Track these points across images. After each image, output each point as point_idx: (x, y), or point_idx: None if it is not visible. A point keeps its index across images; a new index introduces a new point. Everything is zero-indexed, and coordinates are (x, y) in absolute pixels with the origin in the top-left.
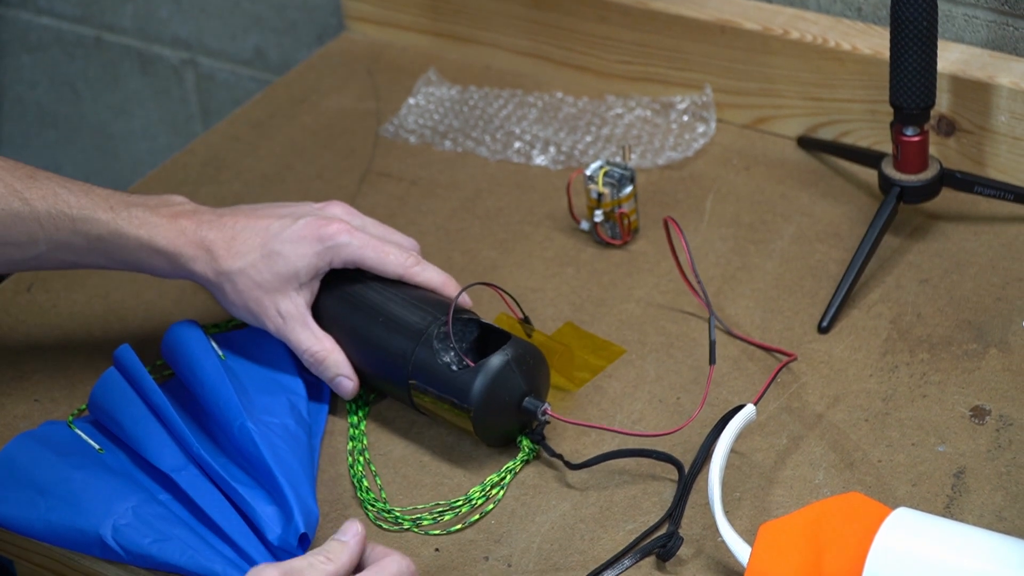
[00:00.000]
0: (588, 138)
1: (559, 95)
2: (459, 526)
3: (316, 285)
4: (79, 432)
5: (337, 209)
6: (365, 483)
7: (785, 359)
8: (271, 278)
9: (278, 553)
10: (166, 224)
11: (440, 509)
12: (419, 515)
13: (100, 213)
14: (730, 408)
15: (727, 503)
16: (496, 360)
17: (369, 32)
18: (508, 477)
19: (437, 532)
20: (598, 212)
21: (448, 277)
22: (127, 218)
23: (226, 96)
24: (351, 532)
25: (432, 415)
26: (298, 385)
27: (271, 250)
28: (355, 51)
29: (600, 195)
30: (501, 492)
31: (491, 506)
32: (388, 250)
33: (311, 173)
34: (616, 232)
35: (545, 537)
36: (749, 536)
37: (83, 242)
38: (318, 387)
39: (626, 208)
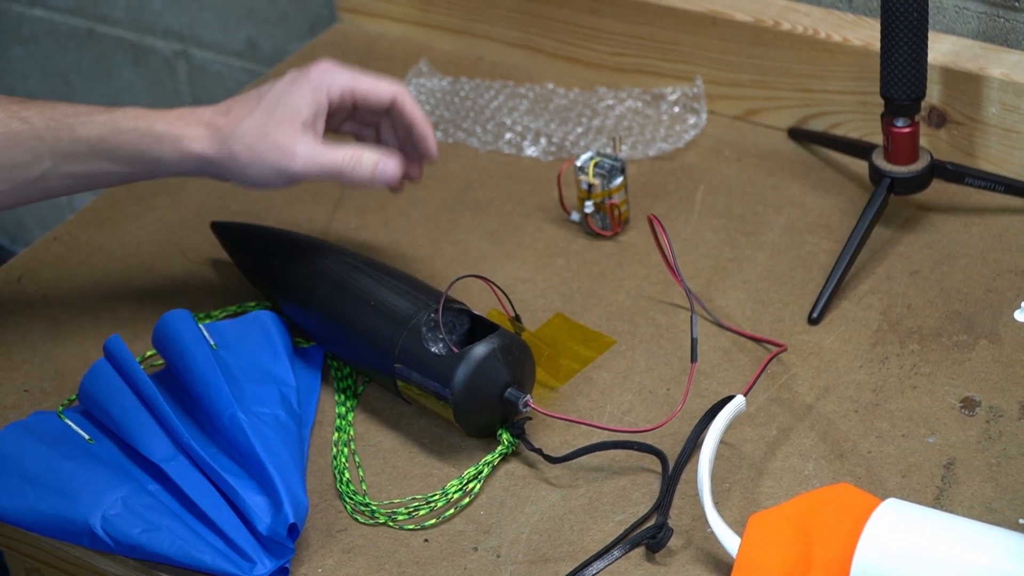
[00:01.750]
0: (579, 129)
1: (550, 86)
2: (433, 521)
3: (321, 125)
4: (69, 422)
5: (322, 62)
6: (347, 475)
7: (775, 350)
8: (276, 123)
9: (268, 544)
10: (163, 114)
11: (416, 504)
12: (395, 509)
13: (97, 115)
14: (720, 399)
15: (717, 494)
16: (481, 348)
17: (361, 23)
18: (486, 470)
19: (412, 527)
20: (588, 203)
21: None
22: (123, 115)
23: (219, 87)
24: None
25: (415, 402)
26: (289, 376)
27: (268, 104)
28: (347, 42)
29: (590, 186)
30: (478, 485)
31: (466, 500)
32: (380, 77)
33: None
34: (606, 223)
35: (534, 528)
36: (739, 527)
37: (85, 148)
38: (309, 377)
39: (616, 199)
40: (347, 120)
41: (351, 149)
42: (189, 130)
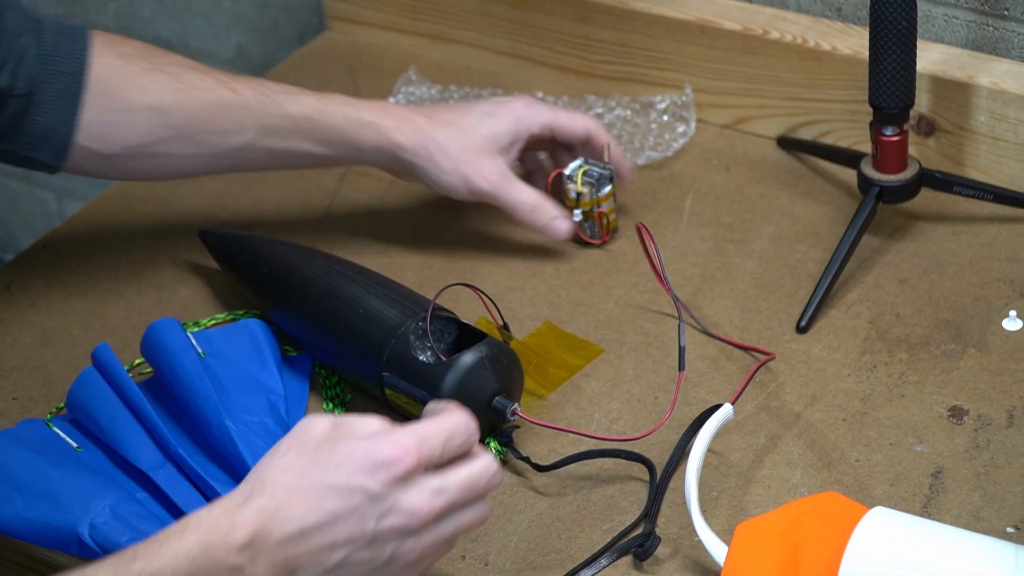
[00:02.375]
0: None
1: (539, 95)
2: None
3: (515, 154)
4: (57, 430)
5: (525, 96)
6: None
7: (763, 358)
8: (477, 140)
9: None
10: (369, 104)
11: None
12: None
13: (306, 96)
14: (707, 407)
15: (704, 502)
16: (469, 357)
17: (350, 31)
18: None
19: None
20: (577, 211)
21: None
22: (331, 99)
23: None
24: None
25: (403, 410)
26: (277, 384)
27: (472, 121)
28: (336, 50)
29: (579, 194)
30: None
31: None
32: (575, 112)
33: (292, 171)
34: (595, 231)
35: (522, 536)
36: (726, 535)
37: (290, 124)
38: (297, 386)
39: (605, 208)
40: (542, 151)
41: (537, 196)
42: (393, 121)
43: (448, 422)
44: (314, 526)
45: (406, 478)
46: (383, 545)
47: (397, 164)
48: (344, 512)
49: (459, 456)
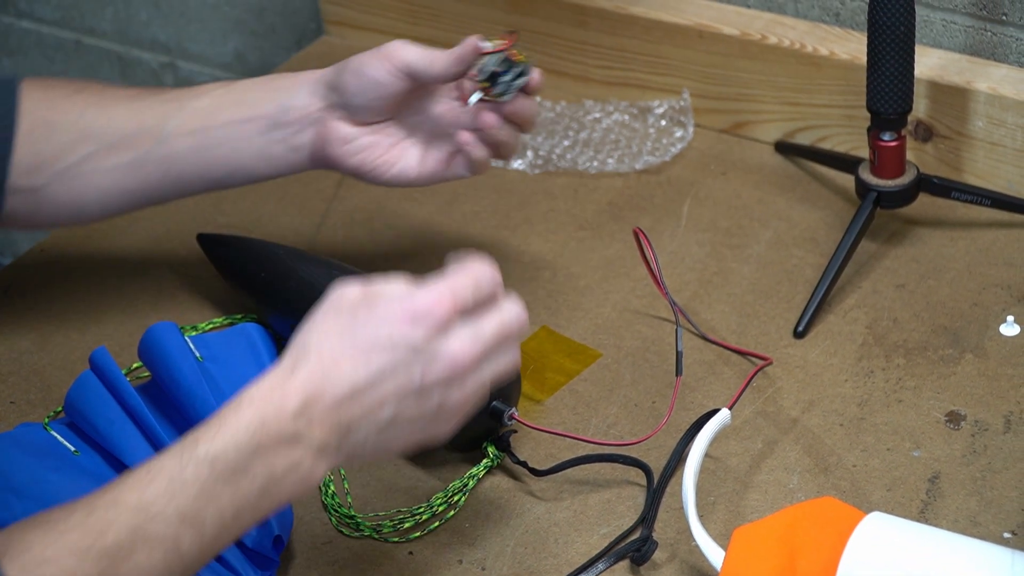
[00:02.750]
0: (566, 142)
1: (537, 99)
2: (418, 534)
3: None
4: (55, 434)
5: None
6: (332, 488)
7: (760, 363)
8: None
9: (253, 556)
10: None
11: (401, 516)
12: (380, 522)
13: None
14: (705, 412)
15: (702, 507)
16: None
17: (348, 36)
18: (471, 483)
19: (397, 540)
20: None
21: None
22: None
23: None
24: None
25: None
26: None
27: None
28: (334, 55)
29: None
30: (463, 498)
31: (451, 513)
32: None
33: (289, 176)
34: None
35: (519, 541)
36: (723, 540)
37: (208, 100)
38: None
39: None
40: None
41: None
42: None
43: (475, 271)
44: (364, 384)
45: (445, 327)
46: (430, 394)
47: (325, 96)
48: (391, 367)
49: (488, 303)
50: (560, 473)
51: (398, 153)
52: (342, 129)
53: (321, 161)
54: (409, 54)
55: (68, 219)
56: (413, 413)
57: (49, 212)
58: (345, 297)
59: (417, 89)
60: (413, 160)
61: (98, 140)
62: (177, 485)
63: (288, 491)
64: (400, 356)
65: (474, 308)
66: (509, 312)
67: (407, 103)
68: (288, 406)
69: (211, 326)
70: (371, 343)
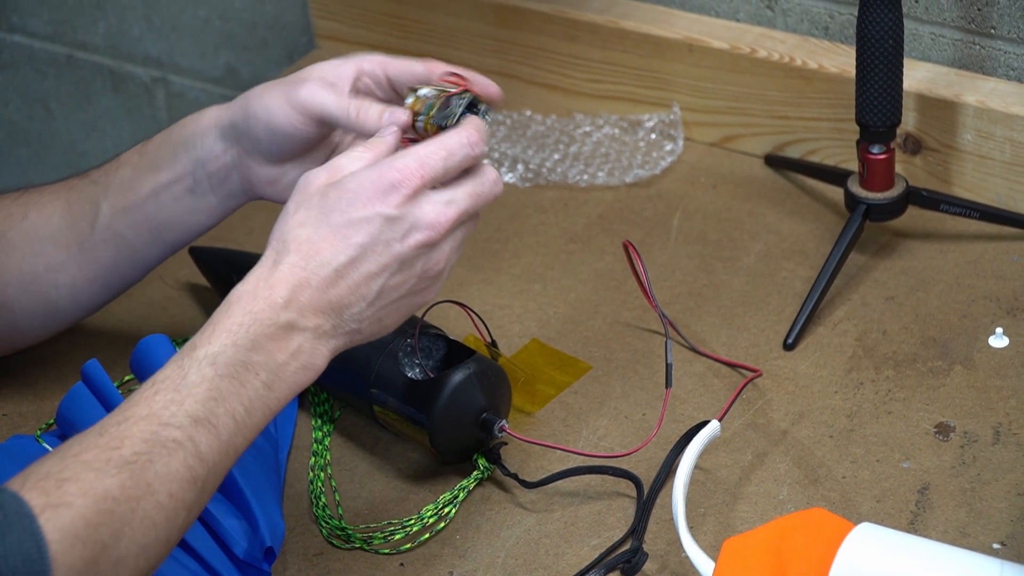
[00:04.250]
0: (556, 156)
1: (527, 113)
2: (408, 545)
3: (345, 90)
4: (47, 446)
5: None
6: (323, 499)
7: (750, 375)
8: (298, 75)
9: (244, 568)
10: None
11: (391, 528)
12: (371, 534)
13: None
14: (694, 424)
15: (692, 519)
16: (458, 374)
17: (339, 50)
18: (461, 495)
19: (387, 552)
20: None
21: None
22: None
23: None
24: (388, 129)
25: (391, 427)
26: None
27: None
28: None
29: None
30: (454, 510)
31: (442, 525)
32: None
33: None
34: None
35: (510, 552)
36: (713, 551)
37: (128, 171)
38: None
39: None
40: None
41: (361, 99)
42: (221, 104)
43: (448, 140)
44: (346, 263)
45: (415, 195)
46: (413, 263)
47: (235, 141)
48: (370, 242)
49: (465, 170)
50: (550, 485)
51: None
52: (263, 171)
53: (259, 198)
54: (324, 103)
55: (45, 326)
56: (399, 283)
57: (25, 324)
58: (311, 183)
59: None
60: None
61: (43, 240)
62: (184, 390)
63: (293, 380)
64: (376, 229)
65: (449, 175)
66: (483, 177)
67: (327, 134)
68: (277, 298)
69: None
70: (346, 222)
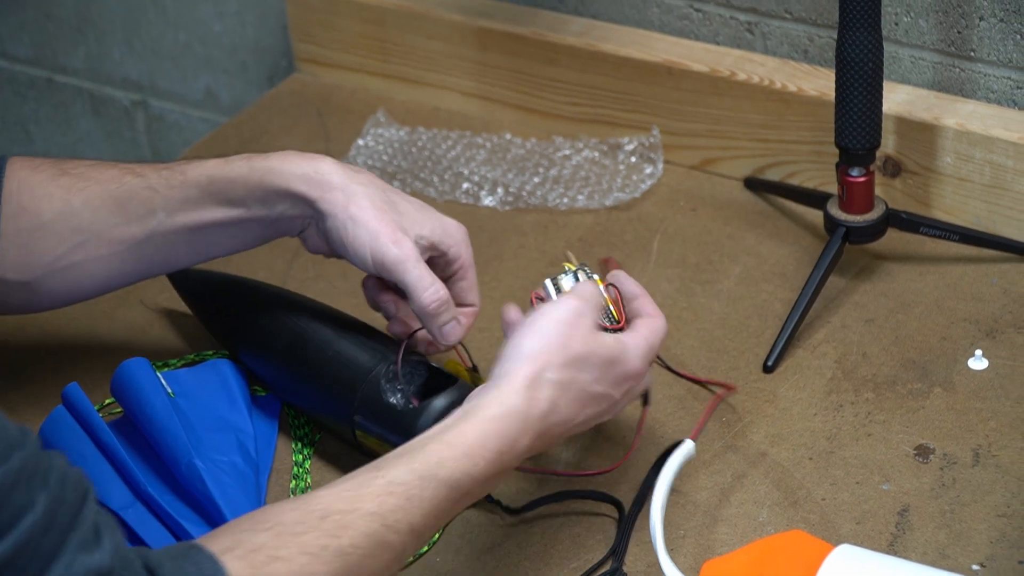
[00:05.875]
0: (536, 179)
1: (507, 136)
2: None
3: (423, 256)
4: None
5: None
6: None
7: (723, 391)
8: (398, 210)
9: None
10: (280, 153)
11: None
12: None
13: (210, 161)
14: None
15: (671, 541)
16: (440, 401)
17: (319, 74)
18: None
19: None
20: None
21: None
22: (238, 157)
23: (177, 137)
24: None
25: (373, 453)
26: (246, 423)
27: (395, 193)
28: (305, 92)
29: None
30: (436, 535)
31: (424, 548)
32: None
33: None
34: (611, 317)
35: (491, 575)
36: (693, 573)
37: (196, 191)
38: (266, 425)
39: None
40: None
41: (445, 290)
42: (304, 162)
43: (657, 333)
44: (574, 420)
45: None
46: (615, 404)
47: (306, 212)
48: (596, 412)
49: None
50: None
51: None
52: (321, 246)
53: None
54: (404, 277)
55: (65, 302)
56: (598, 413)
57: (45, 301)
58: (571, 348)
59: None
60: None
61: (86, 231)
62: (415, 503)
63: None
64: (605, 405)
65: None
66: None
67: None
68: (520, 448)
69: (183, 362)
70: (588, 397)
